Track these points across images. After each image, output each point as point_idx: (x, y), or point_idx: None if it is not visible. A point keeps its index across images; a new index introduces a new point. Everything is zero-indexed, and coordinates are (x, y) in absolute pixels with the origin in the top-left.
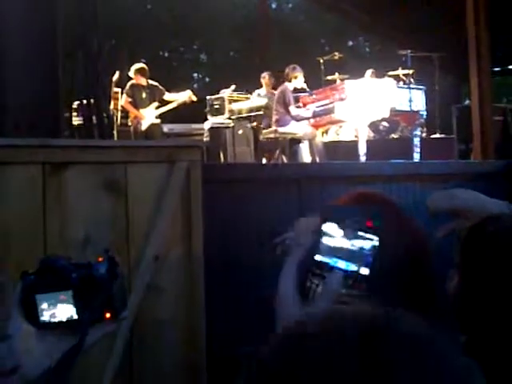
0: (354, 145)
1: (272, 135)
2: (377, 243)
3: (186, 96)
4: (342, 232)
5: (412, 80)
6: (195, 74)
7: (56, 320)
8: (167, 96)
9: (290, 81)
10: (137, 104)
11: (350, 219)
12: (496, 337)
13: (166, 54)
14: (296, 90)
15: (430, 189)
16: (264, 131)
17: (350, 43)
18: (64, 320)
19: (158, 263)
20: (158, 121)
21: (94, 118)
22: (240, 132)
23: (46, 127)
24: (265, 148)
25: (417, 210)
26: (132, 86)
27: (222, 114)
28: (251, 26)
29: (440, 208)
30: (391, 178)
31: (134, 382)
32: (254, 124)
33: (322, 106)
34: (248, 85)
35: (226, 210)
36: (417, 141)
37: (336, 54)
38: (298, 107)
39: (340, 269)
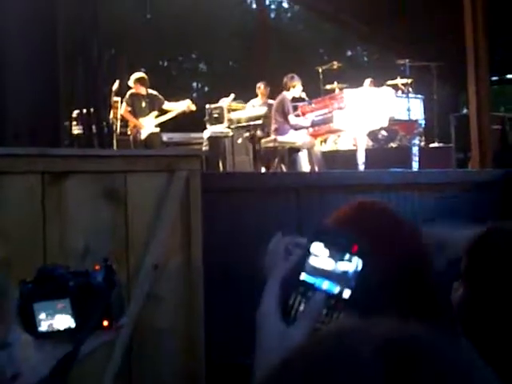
0: (352, 154)
1: (271, 144)
2: (360, 267)
3: (185, 105)
4: (328, 253)
5: (410, 89)
6: (194, 84)
7: (54, 329)
8: (166, 105)
9: (288, 90)
10: (136, 113)
11: (337, 241)
12: (502, 345)
13: (166, 64)
14: (294, 99)
15: (429, 197)
16: (263, 140)
17: (349, 53)
18: (62, 329)
19: (157, 272)
20: (158, 130)
21: (93, 127)
22: (239, 141)
23: (46, 136)
24: (264, 157)
25: (415, 219)
26: (131, 95)
27: (221, 123)
28: (250, 35)
29: None
30: (390, 186)
31: None
32: (253, 133)
33: (321, 115)
34: (247, 94)
35: (225, 219)
36: (415, 150)
37: (335, 63)
38: (297, 116)
39: (323, 290)
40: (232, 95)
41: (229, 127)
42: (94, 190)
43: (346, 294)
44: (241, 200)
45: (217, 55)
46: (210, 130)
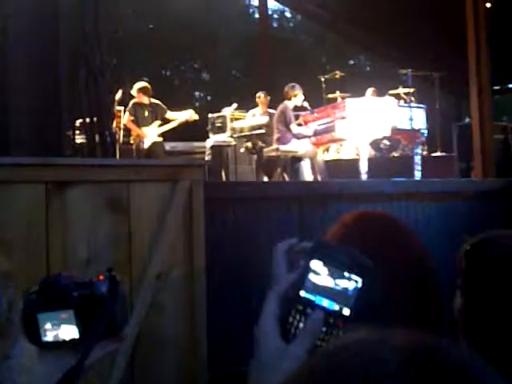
0: (355, 163)
1: (273, 153)
2: (360, 284)
3: (187, 115)
4: (327, 271)
5: (413, 98)
6: (197, 93)
7: (58, 340)
8: (169, 114)
9: (289, 99)
10: (139, 122)
11: (336, 258)
12: (502, 352)
13: (168, 73)
14: (296, 108)
15: (431, 207)
16: (265, 149)
17: (351, 62)
18: (66, 340)
19: (160, 281)
20: (160, 139)
21: (96, 136)
22: (242, 150)
23: (49, 146)
24: (266, 166)
25: (417, 228)
26: (134, 104)
27: (224, 132)
28: (253, 44)
29: None
30: (392, 196)
31: None
32: (254, 143)
33: (323, 124)
34: (249, 103)
35: (227, 228)
36: (418, 159)
37: (337, 72)
38: (300, 125)
39: (323, 307)
40: (234, 104)
41: (231, 136)
42: (97, 200)
43: (346, 311)
44: (243, 209)
45: (219, 64)
46: (213, 139)
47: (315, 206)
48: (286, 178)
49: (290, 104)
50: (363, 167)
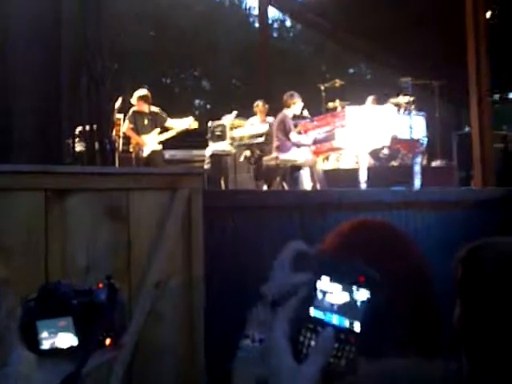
0: (354, 172)
1: (273, 162)
2: (368, 298)
3: (187, 123)
4: (335, 287)
5: (412, 107)
6: (197, 101)
7: (56, 347)
8: (169, 122)
9: (289, 107)
10: (139, 130)
11: (343, 274)
12: (498, 362)
13: (168, 81)
14: (296, 116)
15: (431, 216)
16: (265, 158)
17: (351, 70)
18: (64, 347)
19: (158, 289)
20: (160, 147)
21: (96, 144)
22: (241, 158)
23: (49, 153)
24: (265, 175)
25: (417, 238)
26: (134, 112)
27: (224, 140)
28: (253, 53)
29: None
30: (392, 205)
31: None
32: (253, 151)
33: (323, 132)
34: (249, 112)
35: (226, 237)
36: (417, 168)
37: (337, 81)
38: (299, 133)
39: (333, 324)
40: (234, 113)
41: (231, 144)
42: (96, 208)
43: (357, 326)
44: (243, 218)
45: (219, 73)
46: (212, 147)
47: (315, 214)
48: (286, 187)
49: (289, 112)
50: (363, 176)
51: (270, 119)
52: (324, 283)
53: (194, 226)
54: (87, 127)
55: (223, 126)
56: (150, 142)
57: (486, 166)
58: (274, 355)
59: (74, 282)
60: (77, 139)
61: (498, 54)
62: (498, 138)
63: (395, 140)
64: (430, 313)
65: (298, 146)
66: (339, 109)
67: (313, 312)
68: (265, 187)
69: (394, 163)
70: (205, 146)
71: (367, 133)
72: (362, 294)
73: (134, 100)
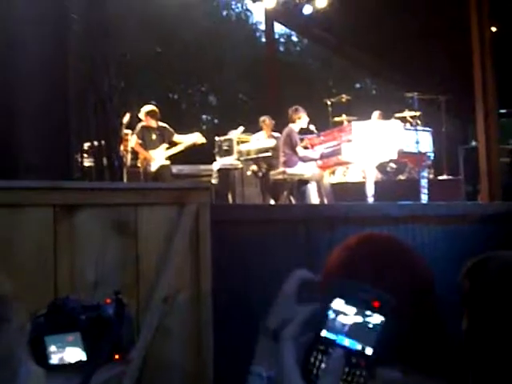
0: (361, 186)
1: (280, 176)
2: (382, 323)
3: (194, 138)
4: (349, 309)
5: (419, 122)
6: (204, 116)
7: (65, 362)
8: (176, 138)
9: (294, 122)
10: (146, 146)
11: (357, 297)
12: (503, 372)
13: (176, 96)
14: (302, 131)
15: (437, 230)
16: (272, 172)
17: (357, 85)
18: (73, 362)
19: (166, 305)
20: (168, 162)
21: (104, 159)
22: (248, 173)
23: (57, 169)
24: (273, 189)
25: (424, 252)
26: (142, 127)
27: (231, 155)
28: (259, 68)
29: None
30: (398, 219)
31: None
32: (260, 166)
33: (330, 147)
34: (256, 126)
35: (234, 251)
36: (424, 182)
37: (343, 96)
38: (306, 148)
39: (345, 347)
40: (241, 128)
41: (238, 159)
42: (104, 223)
43: (369, 350)
44: (250, 232)
45: (226, 88)
46: (220, 162)
47: (322, 229)
48: (293, 201)
49: (295, 127)
50: (369, 190)
51: (276, 135)
52: (338, 305)
53: (201, 241)
54: (95, 143)
55: (230, 140)
56: (158, 157)
57: (493, 180)
58: (284, 378)
59: (82, 298)
60: (85, 155)
61: (505, 67)
62: (504, 152)
63: (402, 154)
64: (435, 327)
65: (305, 160)
66: (346, 123)
67: (324, 334)
68: (272, 201)
69: (401, 177)
70: (212, 160)
71: (374, 147)
72: (376, 319)
73: (141, 115)
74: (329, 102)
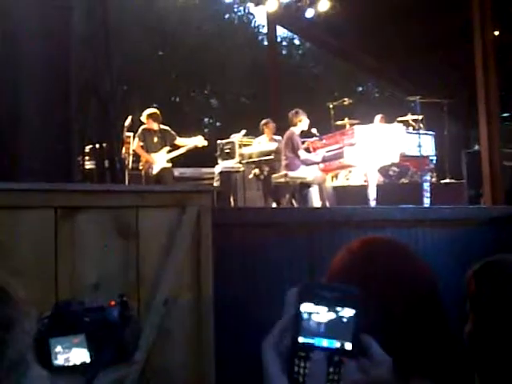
0: (363, 189)
1: (282, 179)
2: (354, 315)
3: (196, 141)
4: (320, 309)
5: (421, 125)
6: (206, 119)
7: (69, 364)
8: (178, 140)
9: (295, 125)
10: (148, 148)
11: (325, 296)
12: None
13: (178, 99)
14: (304, 133)
15: (440, 234)
16: (274, 175)
17: (360, 89)
18: (77, 364)
19: (167, 307)
20: (169, 165)
21: (106, 162)
22: (250, 176)
23: (59, 171)
24: (275, 192)
25: (426, 256)
26: (144, 130)
27: (233, 158)
28: (262, 71)
29: None
30: (401, 222)
31: None
32: (262, 169)
33: (332, 150)
34: (258, 129)
35: (235, 254)
36: (427, 186)
37: (346, 99)
38: (308, 150)
39: (324, 348)
40: (243, 131)
41: (240, 162)
42: (106, 225)
43: (348, 346)
44: (251, 235)
45: (228, 91)
46: (222, 165)
47: (324, 232)
48: (295, 205)
49: (296, 130)
50: (372, 194)
51: (278, 138)
52: (308, 308)
53: (202, 244)
54: (97, 145)
55: (232, 143)
56: (160, 160)
57: (496, 184)
58: None
59: (83, 299)
60: (87, 157)
61: (508, 71)
62: (507, 156)
63: (404, 157)
64: (438, 330)
65: (307, 163)
66: (348, 127)
67: (302, 339)
68: (274, 205)
69: (404, 181)
70: (214, 163)
71: (376, 150)
72: (348, 312)
73: (143, 118)
74: (331, 106)
